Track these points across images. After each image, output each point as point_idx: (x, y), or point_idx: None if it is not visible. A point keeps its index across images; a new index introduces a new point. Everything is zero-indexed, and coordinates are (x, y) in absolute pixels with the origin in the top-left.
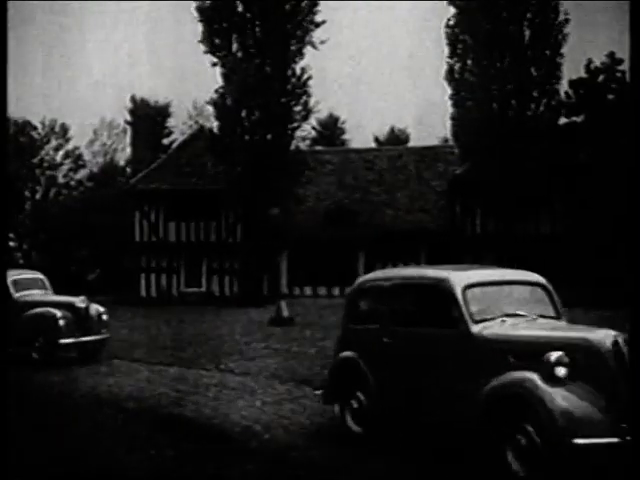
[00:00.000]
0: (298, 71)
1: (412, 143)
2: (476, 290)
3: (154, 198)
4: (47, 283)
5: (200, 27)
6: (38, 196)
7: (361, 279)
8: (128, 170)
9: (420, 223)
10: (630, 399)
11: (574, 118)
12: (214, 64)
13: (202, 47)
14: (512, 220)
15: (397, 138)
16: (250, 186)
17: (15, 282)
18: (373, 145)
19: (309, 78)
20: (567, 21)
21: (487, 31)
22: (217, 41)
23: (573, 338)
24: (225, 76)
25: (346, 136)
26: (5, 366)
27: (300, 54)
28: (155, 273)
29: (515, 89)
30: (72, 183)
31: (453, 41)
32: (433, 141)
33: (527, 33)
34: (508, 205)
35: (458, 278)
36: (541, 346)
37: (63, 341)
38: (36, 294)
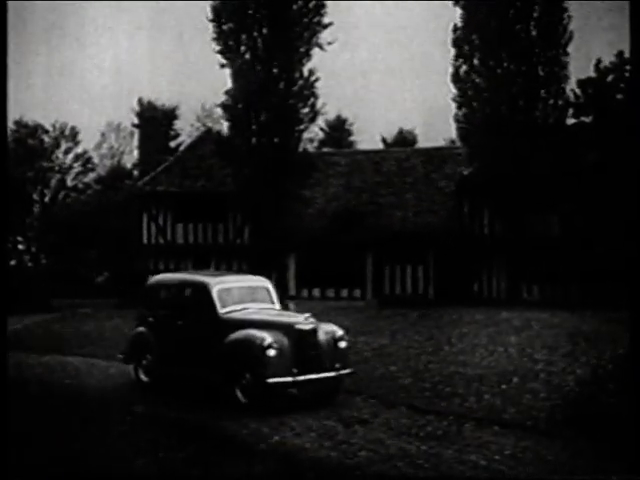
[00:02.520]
0: (305, 73)
1: (420, 145)
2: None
3: (162, 200)
4: (273, 293)
5: (210, 28)
6: (47, 199)
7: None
8: (135, 173)
9: (428, 225)
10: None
11: (583, 118)
12: (222, 65)
13: (210, 49)
14: (520, 221)
15: (405, 140)
16: (258, 188)
17: (223, 293)
18: (381, 147)
19: (317, 80)
20: (570, 17)
21: (494, 31)
22: (228, 42)
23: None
24: (234, 77)
25: (354, 138)
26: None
27: (308, 56)
28: None
29: (522, 89)
30: (80, 186)
31: (459, 42)
32: (441, 142)
33: (534, 33)
34: (516, 206)
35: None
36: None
37: (273, 380)
38: (251, 310)
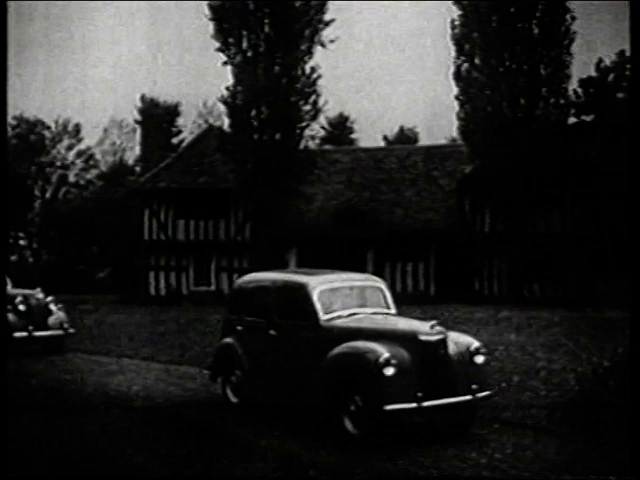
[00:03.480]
0: (307, 70)
1: (421, 142)
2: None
3: (163, 197)
4: (388, 295)
5: (211, 25)
6: (48, 195)
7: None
8: (137, 169)
9: (429, 222)
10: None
11: (583, 117)
12: (224, 63)
13: (212, 46)
14: (522, 219)
15: (406, 137)
16: (259, 185)
17: (327, 295)
18: (382, 144)
19: (318, 77)
20: (573, 19)
21: (496, 29)
22: (228, 40)
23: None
24: (235, 74)
25: (355, 135)
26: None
27: (309, 53)
28: (164, 272)
29: (524, 88)
30: (82, 182)
31: (460, 40)
32: (442, 140)
33: (536, 32)
34: (517, 204)
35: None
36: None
37: (392, 407)
38: (362, 316)
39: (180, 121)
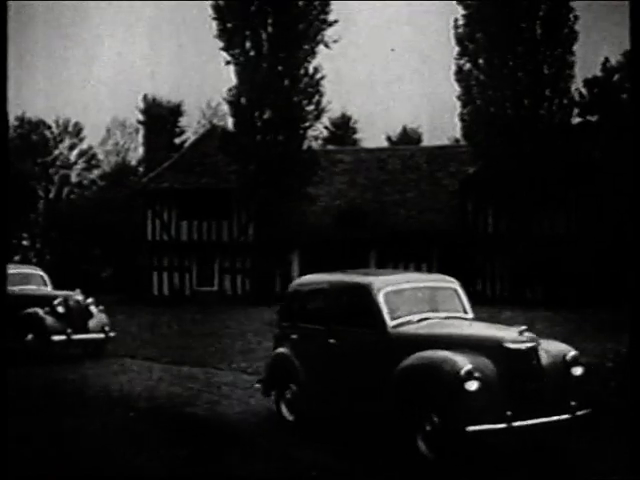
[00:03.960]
0: (311, 70)
1: (425, 143)
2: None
3: (166, 197)
4: (463, 297)
5: (214, 25)
6: (51, 195)
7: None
8: (140, 169)
9: (432, 223)
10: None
11: (588, 117)
12: (228, 62)
13: (215, 46)
14: (525, 220)
15: (410, 138)
16: (262, 185)
17: (394, 298)
18: (385, 145)
19: (322, 77)
20: (577, 18)
21: (499, 29)
22: (231, 40)
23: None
24: (239, 74)
25: (358, 136)
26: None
27: (312, 53)
28: (167, 272)
29: (527, 88)
30: (85, 182)
31: (463, 40)
32: (446, 141)
33: (539, 32)
34: (520, 205)
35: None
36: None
37: (475, 428)
38: (435, 321)
39: (183, 121)
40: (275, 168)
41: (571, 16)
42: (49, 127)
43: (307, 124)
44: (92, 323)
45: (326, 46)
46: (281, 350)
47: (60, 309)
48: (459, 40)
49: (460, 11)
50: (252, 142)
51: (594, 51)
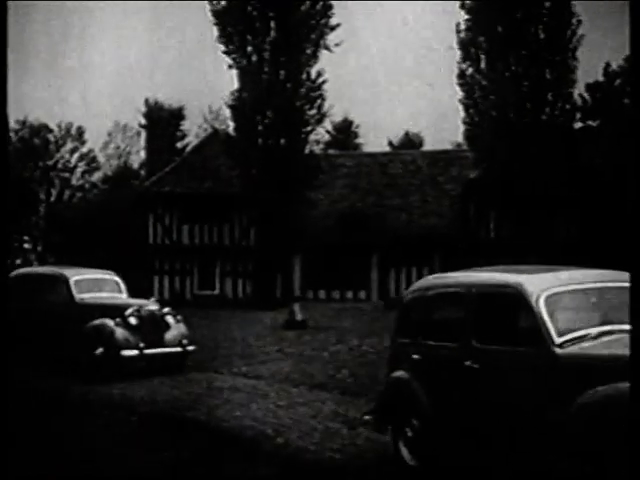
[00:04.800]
0: (313, 74)
1: (426, 147)
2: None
3: (168, 201)
4: None
5: (215, 30)
6: (52, 198)
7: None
8: (142, 173)
9: (434, 227)
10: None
11: (589, 122)
12: (230, 66)
13: (217, 50)
14: (527, 224)
15: (411, 142)
16: (264, 190)
17: (560, 303)
18: (387, 149)
19: (324, 82)
20: (579, 22)
21: (502, 34)
22: (232, 44)
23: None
24: (240, 78)
25: (360, 140)
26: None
27: (315, 57)
28: (168, 275)
29: (530, 93)
30: (86, 185)
31: (466, 44)
32: (447, 145)
33: (542, 36)
34: (522, 209)
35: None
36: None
37: None
38: (623, 337)
39: (185, 125)
40: (277, 172)
41: (574, 20)
42: (51, 130)
43: (309, 128)
44: (169, 335)
45: (328, 50)
46: (399, 374)
47: (132, 320)
48: (462, 44)
49: (463, 15)
50: (254, 146)
51: (595, 56)
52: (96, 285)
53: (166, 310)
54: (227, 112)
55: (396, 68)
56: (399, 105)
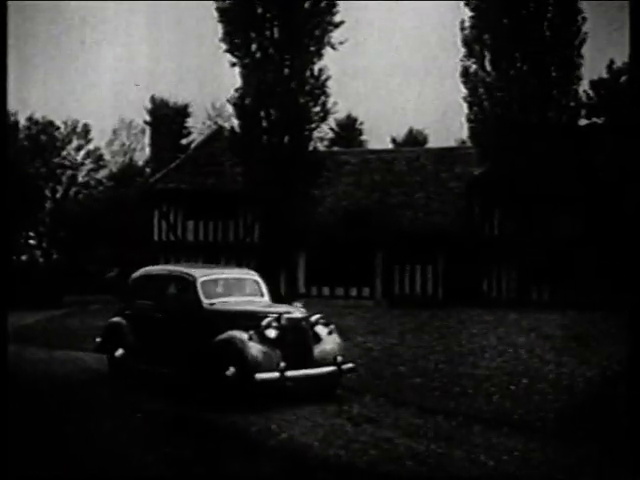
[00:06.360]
0: (316, 72)
1: (431, 144)
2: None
3: (173, 198)
4: None
5: (219, 27)
6: (58, 195)
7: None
8: (147, 170)
9: (438, 225)
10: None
11: (594, 119)
12: (233, 64)
13: (221, 47)
14: (531, 222)
15: (415, 139)
16: (268, 186)
17: None
18: (391, 146)
19: (328, 79)
20: (584, 20)
21: (507, 31)
22: (236, 41)
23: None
24: (244, 76)
25: (364, 137)
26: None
27: (319, 55)
28: None
29: (534, 90)
30: (92, 182)
31: (470, 42)
32: (452, 142)
33: (547, 34)
34: (527, 207)
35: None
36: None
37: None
38: None
39: (190, 122)
40: (281, 169)
41: (579, 17)
42: (58, 128)
43: (313, 125)
44: (318, 351)
45: (332, 48)
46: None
47: (271, 333)
48: (466, 41)
49: (467, 12)
50: (258, 143)
51: (600, 53)
52: (231, 287)
53: (315, 317)
54: (231, 109)
55: (400, 65)
56: (403, 102)
